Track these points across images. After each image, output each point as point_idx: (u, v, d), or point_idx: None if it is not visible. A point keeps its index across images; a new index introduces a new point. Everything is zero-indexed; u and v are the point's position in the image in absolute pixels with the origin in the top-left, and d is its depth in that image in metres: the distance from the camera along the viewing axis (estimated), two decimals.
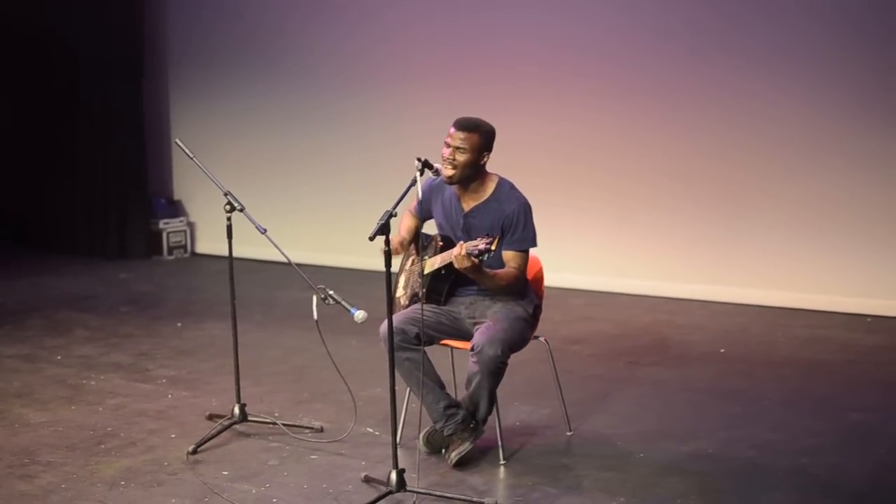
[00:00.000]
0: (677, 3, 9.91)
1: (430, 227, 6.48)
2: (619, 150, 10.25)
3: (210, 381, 7.84)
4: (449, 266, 5.97)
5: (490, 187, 6.20)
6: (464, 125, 6.07)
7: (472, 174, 6.12)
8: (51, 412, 7.21)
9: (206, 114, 12.46)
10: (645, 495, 5.77)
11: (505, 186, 6.21)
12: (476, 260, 5.74)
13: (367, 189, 11.22)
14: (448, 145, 6.05)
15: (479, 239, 5.70)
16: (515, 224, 6.10)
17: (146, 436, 6.74)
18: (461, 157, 6.03)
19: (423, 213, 6.42)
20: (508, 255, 6.11)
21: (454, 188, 6.22)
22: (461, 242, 5.84)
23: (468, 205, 6.21)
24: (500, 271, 6.07)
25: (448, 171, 6.06)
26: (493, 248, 5.64)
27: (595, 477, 6.01)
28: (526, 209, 6.15)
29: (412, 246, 6.42)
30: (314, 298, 5.98)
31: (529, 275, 6.36)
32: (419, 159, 5.78)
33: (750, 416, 6.96)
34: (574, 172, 10.44)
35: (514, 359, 6.05)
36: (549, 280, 6.83)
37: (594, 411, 7.05)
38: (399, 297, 6.47)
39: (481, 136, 6.06)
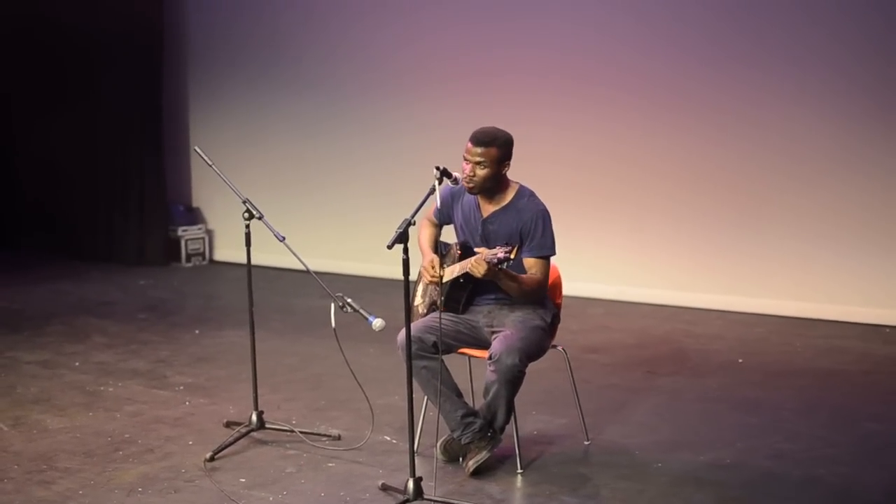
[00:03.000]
0: (695, 14, 9.89)
1: (448, 233, 6.48)
2: (638, 160, 10.25)
3: (228, 389, 7.85)
4: (467, 274, 5.97)
5: (510, 194, 6.21)
6: (480, 140, 6.06)
7: (493, 185, 6.13)
8: (69, 418, 7.23)
9: (226, 121, 12.48)
10: None
11: (525, 194, 6.22)
12: (495, 268, 5.75)
13: (386, 197, 11.22)
14: (467, 160, 6.06)
15: (498, 248, 5.71)
16: (533, 231, 6.10)
17: (163, 443, 6.75)
18: (481, 172, 6.04)
19: (442, 219, 6.42)
20: (529, 263, 6.12)
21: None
22: (480, 250, 5.84)
23: (487, 211, 6.22)
24: (523, 276, 6.07)
25: (468, 186, 6.08)
26: (512, 256, 5.65)
27: (612, 486, 6.01)
28: (544, 216, 6.15)
29: (433, 255, 6.41)
30: (332, 306, 5.99)
31: (548, 283, 6.36)
32: (438, 168, 5.78)
33: (767, 426, 6.95)
34: (593, 182, 10.43)
35: (531, 368, 6.06)
36: (568, 289, 6.84)
37: (612, 421, 7.05)
38: (417, 306, 6.48)
39: (499, 149, 6.06)
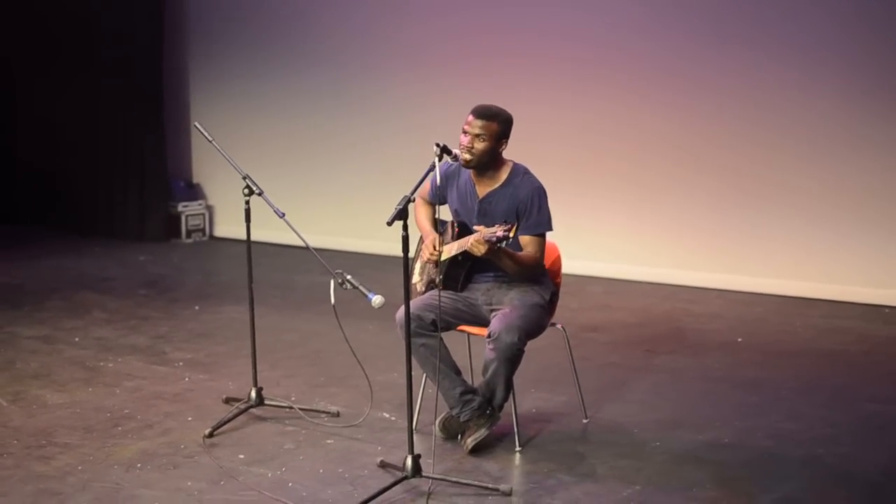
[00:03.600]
0: None
1: (442, 213, 6.47)
2: (638, 139, 10.23)
3: (227, 365, 7.86)
4: (466, 252, 5.97)
5: (505, 173, 6.20)
6: (482, 113, 6.07)
7: (489, 161, 6.12)
8: (68, 394, 7.24)
9: (226, 97, 12.45)
10: (660, 483, 5.78)
11: (519, 171, 6.21)
12: (494, 246, 5.74)
13: (386, 173, 11.21)
14: (466, 133, 6.05)
15: (496, 226, 5.70)
16: (530, 208, 6.10)
17: (163, 418, 6.76)
18: (479, 145, 6.04)
19: (438, 199, 6.42)
20: (525, 240, 6.11)
21: (470, 174, 6.22)
22: (479, 228, 5.83)
23: (483, 190, 6.21)
24: (519, 253, 6.07)
25: (465, 157, 6.06)
26: (511, 235, 5.64)
27: (611, 465, 6.02)
28: (540, 193, 6.15)
29: (432, 232, 6.40)
30: (332, 283, 5.99)
31: (547, 262, 6.36)
32: (438, 144, 5.78)
33: (766, 405, 6.96)
34: (592, 161, 10.42)
35: (530, 346, 6.06)
36: (567, 267, 6.83)
37: (610, 399, 7.06)
38: (415, 284, 6.47)
39: (499, 125, 6.07)
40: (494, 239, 5.67)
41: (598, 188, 10.43)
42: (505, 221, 5.77)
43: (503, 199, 6.15)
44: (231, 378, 7.50)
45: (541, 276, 6.28)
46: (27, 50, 12.85)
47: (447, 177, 6.32)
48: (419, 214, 6.48)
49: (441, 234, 6.32)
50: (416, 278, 6.51)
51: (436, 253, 6.10)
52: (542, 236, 6.18)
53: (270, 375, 7.37)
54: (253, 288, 6.74)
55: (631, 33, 10.14)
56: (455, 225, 6.26)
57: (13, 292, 10.04)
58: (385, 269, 9.50)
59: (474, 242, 5.79)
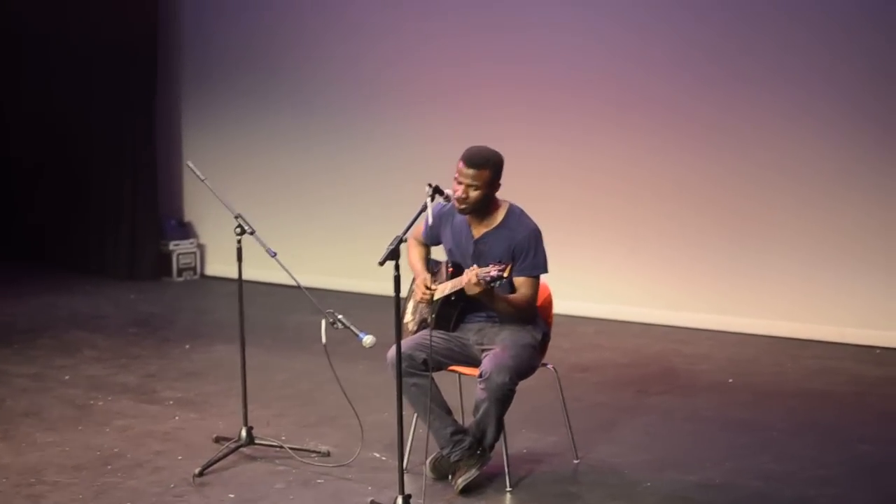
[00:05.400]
0: (692, 30, 9.89)
1: (436, 253, 6.48)
2: (630, 177, 10.24)
3: (217, 404, 7.84)
4: (458, 292, 5.97)
5: (500, 214, 6.21)
6: (474, 162, 6.06)
7: (483, 207, 6.13)
8: (58, 432, 7.22)
9: (218, 135, 12.46)
10: None
11: (515, 213, 6.23)
12: (487, 286, 5.75)
13: (378, 213, 11.20)
14: (459, 182, 6.06)
15: (491, 266, 5.71)
16: (526, 250, 6.11)
17: (153, 457, 6.75)
18: (473, 194, 6.05)
19: (431, 240, 6.43)
20: (519, 281, 6.12)
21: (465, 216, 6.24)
22: (473, 268, 5.84)
23: (478, 231, 6.22)
24: (511, 296, 6.08)
25: (461, 207, 6.08)
26: (505, 275, 5.65)
27: None
28: (536, 235, 6.16)
29: (424, 272, 6.40)
30: (323, 322, 6.00)
31: (539, 301, 6.36)
32: (430, 185, 5.79)
33: (757, 446, 6.95)
34: (584, 199, 10.43)
35: (521, 386, 6.05)
36: (559, 307, 6.83)
37: (601, 440, 7.05)
38: (407, 323, 6.47)
39: (491, 171, 6.08)
40: (489, 278, 5.68)
41: (589, 227, 10.43)
42: (499, 262, 5.77)
43: (499, 241, 6.16)
44: (221, 417, 7.48)
45: (533, 316, 6.27)
46: (17, 86, 12.86)
47: (441, 217, 6.33)
48: (412, 255, 6.48)
49: (435, 273, 6.32)
50: (408, 317, 6.51)
51: (428, 293, 6.11)
52: (537, 278, 6.19)
53: (261, 415, 7.35)
54: (244, 327, 6.74)
55: (625, 69, 10.16)
56: (449, 265, 6.27)
57: (4, 330, 10.02)
58: (376, 308, 9.45)
59: (469, 282, 5.79)
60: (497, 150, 6.19)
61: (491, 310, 6.13)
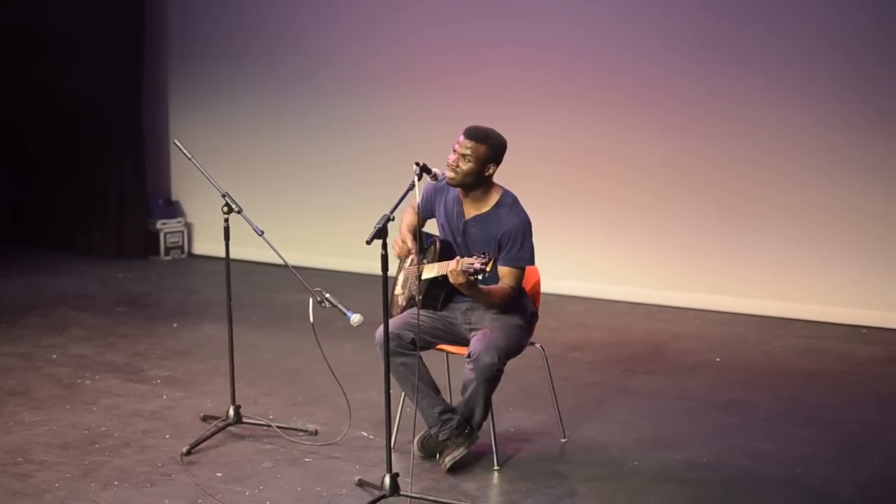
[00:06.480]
0: (682, 11, 9.88)
1: (431, 226, 6.47)
2: (619, 157, 10.24)
3: (205, 383, 7.84)
4: (446, 275, 5.97)
5: (493, 199, 6.18)
6: (473, 134, 6.06)
7: (474, 182, 6.10)
8: (45, 411, 7.21)
9: (206, 114, 12.45)
10: (639, 503, 5.78)
11: (507, 200, 6.19)
12: (471, 277, 5.74)
13: (365, 192, 11.19)
14: (455, 150, 6.04)
15: (475, 257, 5.70)
16: (513, 241, 6.08)
17: (140, 436, 6.74)
18: (464, 166, 6.03)
19: (425, 213, 6.39)
20: (503, 271, 6.10)
21: (458, 192, 6.21)
22: (458, 258, 5.83)
23: (470, 212, 6.20)
24: (493, 288, 6.05)
25: (449, 175, 6.06)
26: (487, 268, 5.64)
27: (589, 484, 6.02)
28: (525, 226, 6.13)
29: (413, 243, 6.36)
30: (310, 301, 5.98)
31: (527, 284, 6.36)
32: (417, 164, 5.79)
33: (744, 425, 6.96)
34: (573, 179, 10.43)
35: (509, 365, 6.06)
36: (547, 287, 6.84)
37: (589, 419, 7.06)
38: (397, 296, 6.46)
39: (489, 148, 6.05)
40: (472, 270, 5.67)
41: (578, 207, 10.43)
42: (483, 253, 5.75)
43: (487, 226, 6.14)
44: (209, 396, 7.48)
45: (514, 305, 6.26)
46: (3, 68, 12.81)
47: (436, 190, 6.32)
48: (404, 220, 6.43)
49: (425, 249, 6.30)
50: (398, 290, 6.49)
51: (403, 247, 6.14)
52: (522, 270, 6.17)
53: (248, 393, 7.35)
54: (231, 306, 6.72)
55: (617, 51, 10.15)
56: (438, 243, 6.26)
57: None
58: (364, 287, 9.47)
59: (453, 271, 5.78)
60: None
61: (473, 299, 6.12)
